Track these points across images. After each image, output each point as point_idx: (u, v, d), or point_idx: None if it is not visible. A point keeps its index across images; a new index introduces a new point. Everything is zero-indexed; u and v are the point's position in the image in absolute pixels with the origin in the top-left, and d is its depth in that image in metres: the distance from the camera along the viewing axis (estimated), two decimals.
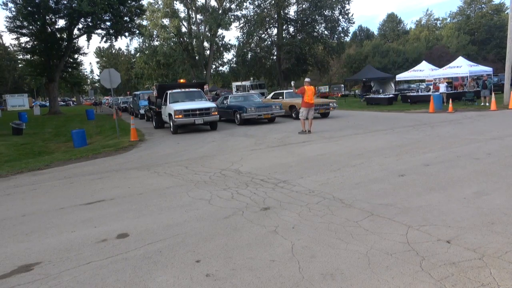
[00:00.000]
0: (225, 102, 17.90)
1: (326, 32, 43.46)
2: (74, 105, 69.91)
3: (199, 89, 16.38)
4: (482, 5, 65.16)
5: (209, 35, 41.97)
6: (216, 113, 14.37)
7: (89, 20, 28.89)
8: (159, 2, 42.33)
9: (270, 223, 4.07)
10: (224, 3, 42.06)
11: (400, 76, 26.83)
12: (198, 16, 43.79)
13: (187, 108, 13.79)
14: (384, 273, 2.85)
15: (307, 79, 12.67)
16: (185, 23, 44.33)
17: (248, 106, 16.07)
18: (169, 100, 14.75)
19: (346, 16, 42.51)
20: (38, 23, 28.98)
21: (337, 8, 41.93)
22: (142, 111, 23.16)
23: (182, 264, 3.25)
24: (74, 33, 31.25)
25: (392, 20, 73.51)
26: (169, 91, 15.31)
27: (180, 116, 13.64)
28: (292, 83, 14.70)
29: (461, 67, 22.20)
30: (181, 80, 19.51)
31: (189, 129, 15.20)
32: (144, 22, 41.98)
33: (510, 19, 17.54)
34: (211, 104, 14.85)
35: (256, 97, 19.02)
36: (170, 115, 14.28)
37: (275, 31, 44.06)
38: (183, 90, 15.89)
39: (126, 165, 8.70)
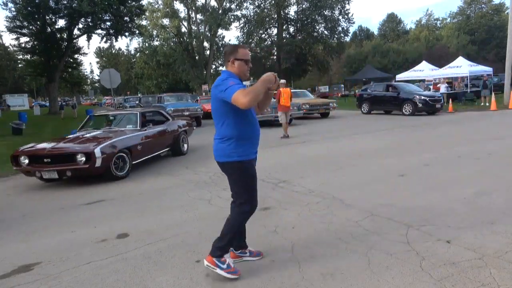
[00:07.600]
0: None
1: (326, 32, 43.49)
2: None
3: None
4: (482, 5, 65.09)
5: (209, 35, 42.05)
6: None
7: (89, 20, 28.87)
8: (159, 2, 42.43)
9: (270, 223, 4.07)
10: (224, 3, 42.10)
11: (400, 76, 26.81)
12: (198, 16, 43.88)
13: None
14: (384, 273, 2.84)
15: (282, 81, 10.85)
16: (185, 23, 44.40)
17: None
18: None
19: (346, 16, 42.57)
20: (38, 23, 28.96)
21: (337, 8, 41.99)
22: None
23: (182, 264, 3.24)
24: (74, 33, 31.23)
25: (392, 20, 73.50)
26: None
27: None
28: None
29: (461, 67, 22.21)
30: None
31: None
32: (144, 22, 42.04)
33: (510, 19, 17.54)
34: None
35: None
36: None
37: (275, 31, 44.11)
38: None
39: None
